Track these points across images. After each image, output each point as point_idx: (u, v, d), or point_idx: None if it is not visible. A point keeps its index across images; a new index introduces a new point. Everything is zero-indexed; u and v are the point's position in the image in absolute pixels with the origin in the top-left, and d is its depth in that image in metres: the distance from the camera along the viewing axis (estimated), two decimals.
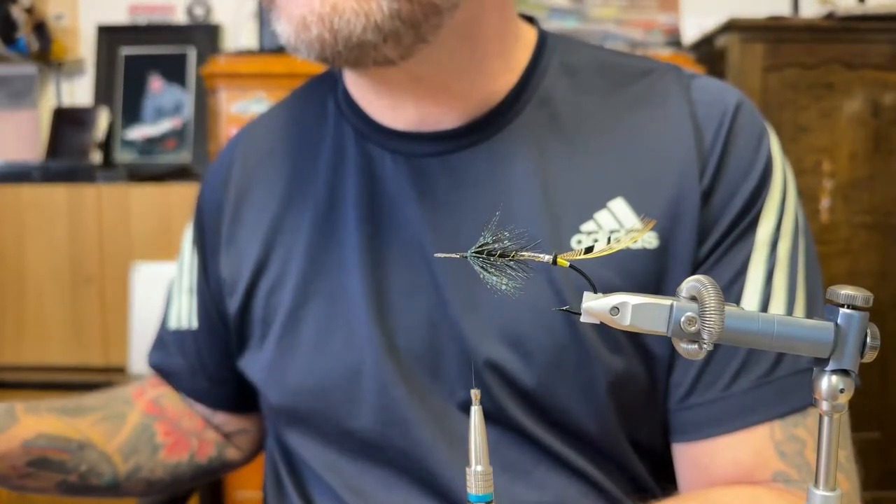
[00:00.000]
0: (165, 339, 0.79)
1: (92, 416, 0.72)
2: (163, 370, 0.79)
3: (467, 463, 0.59)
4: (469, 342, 0.61)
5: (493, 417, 0.61)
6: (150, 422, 0.74)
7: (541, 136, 0.65)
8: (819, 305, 0.63)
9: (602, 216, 0.62)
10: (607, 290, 0.58)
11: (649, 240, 0.61)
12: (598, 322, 0.34)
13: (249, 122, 0.79)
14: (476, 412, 0.38)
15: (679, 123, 0.64)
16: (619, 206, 0.62)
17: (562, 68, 0.67)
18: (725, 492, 0.59)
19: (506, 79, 0.66)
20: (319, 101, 0.73)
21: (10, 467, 0.64)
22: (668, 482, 0.66)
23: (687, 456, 0.63)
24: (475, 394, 0.38)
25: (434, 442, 0.62)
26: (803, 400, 0.59)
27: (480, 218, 0.62)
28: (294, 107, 0.76)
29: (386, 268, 0.65)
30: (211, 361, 0.76)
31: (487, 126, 0.65)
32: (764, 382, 0.59)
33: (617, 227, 0.61)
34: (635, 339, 0.62)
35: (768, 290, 0.61)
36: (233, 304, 0.71)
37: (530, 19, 0.71)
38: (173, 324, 0.78)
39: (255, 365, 0.71)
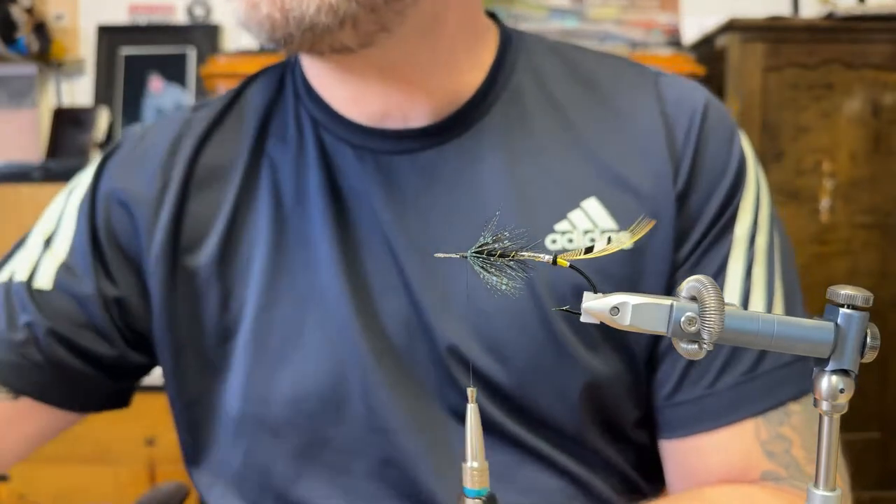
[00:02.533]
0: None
1: None
2: None
3: (452, 470, 0.59)
4: (444, 345, 0.60)
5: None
6: None
7: (511, 133, 0.63)
8: (796, 294, 0.64)
9: (575, 216, 0.61)
10: (576, 294, 0.57)
11: (624, 240, 0.60)
12: (598, 322, 0.34)
13: (175, 112, 0.72)
14: (472, 409, 0.38)
15: (649, 122, 0.63)
16: (592, 205, 0.61)
17: (529, 65, 0.66)
18: (719, 490, 0.59)
19: (473, 75, 0.64)
20: (276, 89, 0.69)
21: None
22: (659, 482, 0.66)
23: (675, 455, 0.63)
24: (471, 391, 0.38)
25: (418, 449, 0.60)
26: (786, 394, 0.60)
27: (452, 218, 0.62)
28: (240, 97, 0.70)
29: (360, 266, 0.62)
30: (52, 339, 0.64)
31: (456, 124, 0.63)
32: (748, 378, 0.60)
33: (591, 226, 0.60)
34: (614, 339, 0.61)
35: (748, 285, 0.61)
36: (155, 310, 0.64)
37: (492, 15, 0.69)
38: (4, 277, 0.68)
39: (206, 370, 0.65)
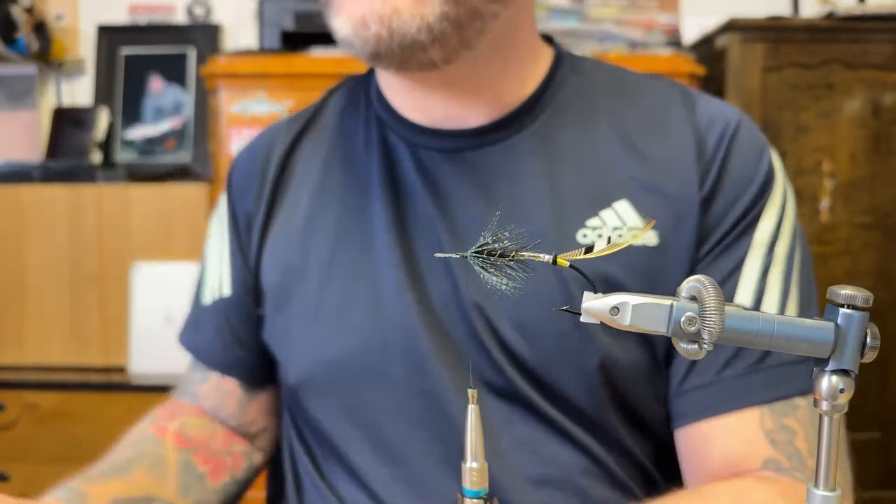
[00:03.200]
0: (200, 317, 0.81)
1: (139, 468, 0.72)
2: (195, 347, 0.81)
3: (491, 433, 0.64)
4: (478, 322, 0.66)
5: (506, 393, 0.66)
6: (187, 455, 0.75)
7: (553, 139, 0.70)
8: (812, 308, 0.67)
9: (607, 214, 0.66)
10: (612, 284, 0.63)
11: (649, 238, 0.65)
12: (598, 322, 0.34)
13: (281, 120, 0.84)
14: (473, 410, 0.38)
15: (681, 134, 0.68)
16: (623, 207, 0.66)
17: (576, 80, 0.73)
18: (717, 486, 0.61)
19: (528, 86, 0.71)
20: (353, 94, 0.79)
21: None
22: (678, 478, 0.68)
23: (685, 442, 0.66)
24: (472, 393, 0.38)
25: (458, 411, 0.65)
26: (792, 389, 0.62)
27: (490, 209, 0.68)
28: (327, 102, 0.81)
29: (412, 246, 0.69)
30: (241, 328, 0.78)
31: (506, 127, 0.70)
32: (754, 370, 0.63)
33: (620, 224, 0.65)
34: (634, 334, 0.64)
35: (762, 286, 0.65)
36: (263, 275, 0.75)
37: (549, 39, 0.77)
38: (207, 299, 0.80)
39: (279, 336, 0.74)
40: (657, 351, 0.66)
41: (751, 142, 0.69)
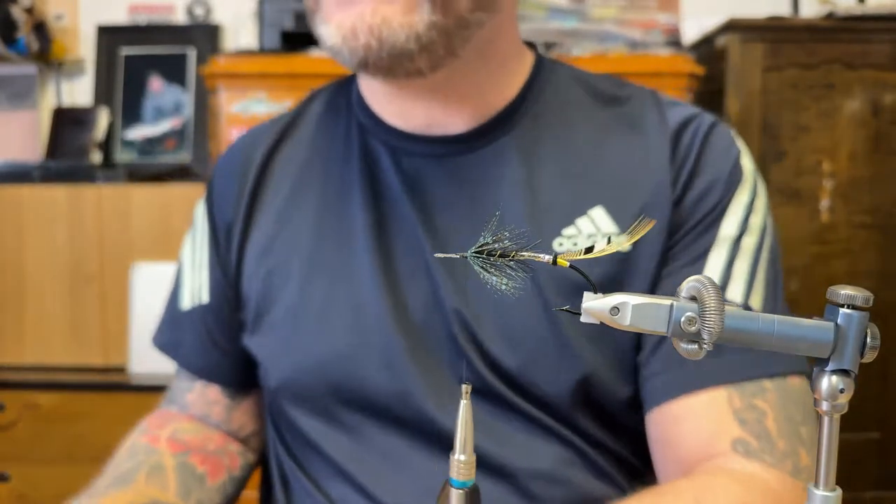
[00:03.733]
0: (177, 320, 0.81)
1: (139, 477, 0.72)
2: (171, 349, 0.81)
3: (484, 440, 0.64)
4: (457, 325, 0.67)
5: (484, 393, 0.67)
6: (184, 459, 0.75)
7: (532, 146, 0.70)
8: (778, 299, 0.67)
9: (582, 222, 0.67)
10: (576, 290, 0.63)
11: (623, 241, 0.65)
12: (598, 322, 0.34)
13: (261, 123, 0.83)
14: (464, 405, 0.38)
15: (655, 139, 0.70)
16: (598, 213, 0.67)
17: (555, 88, 0.74)
18: (680, 484, 0.61)
19: (509, 92, 0.72)
20: (334, 99, 0.79)
21: None
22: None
23: (654, 426, 0.67)
24: (465, 388, 0.38)
25: (434, 410, 0.67)
26: (757, 372, 0.63)
27: (470, 216, 0.69)
28: (308, 106, 0.81)
29: (391, 252, 0.69)
30: (220, 334, 0.78)
31: (485, 133, 0.71)
32: (719, 353, 0.63)
33: (594, 231, 0.66)
34: (608, 333, 0.66)
35: (727, 275, 0.65)
36: (243, 280, 0.75)
37: (531, 45, 0.77)
38: (186, 304, 0.80)
39: (260, 340, 0.74)
40: (627, 354, 0.67)
41: (721, 143, 0.70)
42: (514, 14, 0.72)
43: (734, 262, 0.66)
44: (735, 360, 0.63)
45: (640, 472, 0.70)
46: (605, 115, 0.72)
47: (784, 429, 0.62)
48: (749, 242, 0.67)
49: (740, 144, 0.72)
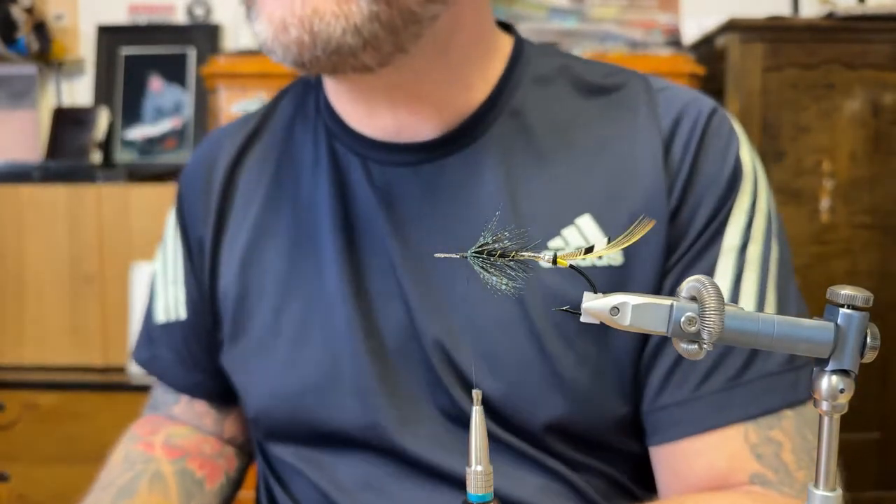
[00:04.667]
0: (153, 334, 0.78)
1: (141, 488, 0.70)
2: (152, 366, 0.78)
3: (453, 458, 0.61)
4: (433, 349, 0.62)
5: (460, 420, 0.63)
6: (182, 464, 0.74)
7: (511, 148, 0.65)
8: (790, 309, 0.63)
9: (569, 232, 0.62)
10: (568, 302, 0.58)
11: (615, 256, 0.61)
12: (598, 322, 0.34)
13: (227, 124, 0.79)
14: (477, 412, 0.37)
15: (647, 139, 0.63)
16: (585, 222, 0.62)
17: (534, 80, 0.67)
18: (700, 498, 0.59)
19: (481, 90, 0.66)
20: (301, 102, 0.73)
21: None
22: (654, 486, 0.66)
23: (662, 459, 0.63)
24: (476, 394, 0.38)
25: (408, 443, 0.63)
26: (774, 402, 0.59)
27: (448, 230, 0.63)
28: (276, 108, 0.75)
29: (363, 273, 0.65)
30: (200, 352, 0.75)
31: (460, 137, 0.65)
32: (734, 385, 0.59)
33: (583, 243, 0.61)
34: (605, 350, 0.62)
35: (736, 293, 0.61)
36: (219, 300, 0.72)
37: (507, 27, 0.70)
38: (161, 317, 0.77)
39: (234, 367, 0.71)
40: (626, 369, 0.62)
41: (717, 139, 0.63)
42: (478, 5, 0.65)
43: (742, 276, 0.61)
44: (753, 391, 0.59)
45: (636, 495, 0.66)
46: (591, 110, 0.66)
47: (802, 460, 0.58)
48: (754, 251, 0.62)
49: (740, 133, 0.66)
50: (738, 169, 0.63)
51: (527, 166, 0.64)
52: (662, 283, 0.62)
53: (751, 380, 0.59)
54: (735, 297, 0.61)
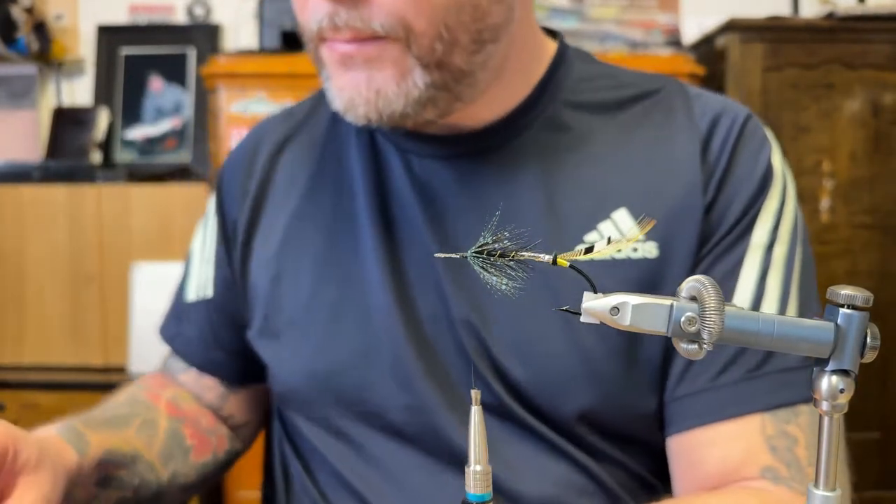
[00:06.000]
0: (182, 312, 0.80)
1: (133, 424, 0.71)
2: (175, 342, 0.80)
3: (492, 456, 0.62)
4: (468, 339, 0.64)
5: (491, 409, 0.64)
6: (177, 425, 0.74)
7: (550, 147, 0.67)
8: (812, 311, 0.65)
9: (605, 226, 0.64)
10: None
11: (650, 249, 0.64)
12: (598, 322, 0.34)
13: (275, 114, 0.82)
14: (476, 412, 0.38)
15: (685, 138, 0.66)
16: (622, 216, 0.64)
17: (575, 83, 0.70)
18: (707, 499, 0.59)
19: (523, 89, 0.68)
20: None
21: (83, 490, 0.62)
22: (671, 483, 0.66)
23: (678, 449, 0.64)
24: (475, 394, 0.38)
25: (448, 425, 0.64)
26: (793, 396, 0.60)
27: (482, 223, 0.63)
28: (323, 98, 0.77)
29: (401, 261, 0.67)
30: (224, 330, 0.77)
31: (499, 133, 0.68)
32: (753, 376, 0.61)
33: (618, 236, 0.63)
34: (637, 343, 0.63)
35: (761, 290, 0.63)
36: (250, 281, 0.74)
37: (553, 33, 0.74)
38: (192, 296, 0.80)
39: (267, 344, 0.73)
40: (652, 367, 0.64)
41: (752, 142, 0.67)
42: (528, 11, 0.68)
43: (767, 275, 0.63)
44: (772, 383, 0.60)
45: (657, 489, 0.67)
46: (629, 113, 0.69)
47: (814, 456, 0.60)
48: (780, 252, 0.64)
49: (771, 140, 0.69)
50: (770, 172, 0.66)
51: (564, 164, 0.67)
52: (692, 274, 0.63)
53: (769, 373, 0.61)
54: (760, 294, 0.63)
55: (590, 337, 0.62)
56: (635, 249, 0.63)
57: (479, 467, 0.37)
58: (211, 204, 0.80)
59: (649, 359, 0.63)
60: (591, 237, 0.64)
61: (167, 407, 0.75)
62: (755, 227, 0.64)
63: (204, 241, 0.80)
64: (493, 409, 0.64)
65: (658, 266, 0.63)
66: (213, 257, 0.78)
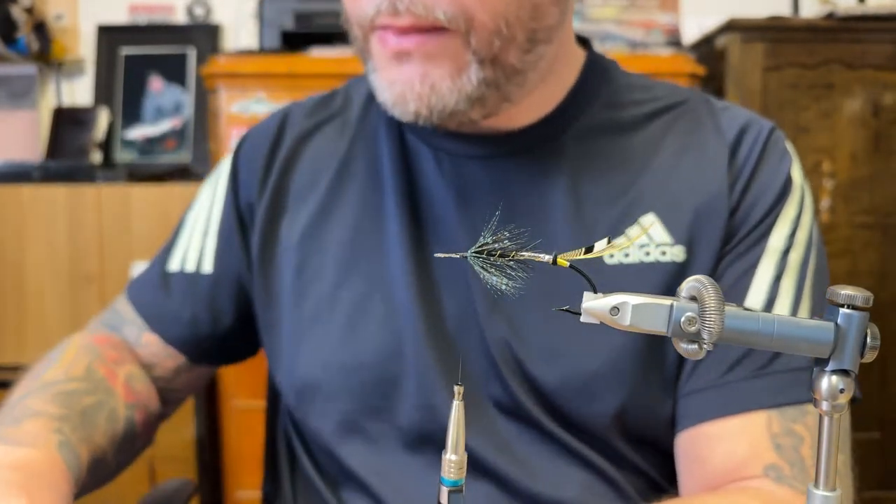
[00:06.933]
0: (162, 280, 0.77)
1: (99, 421, 0.67)
2: (149, 310, 0.77)
3: (498, 451, 0.64)
4: (493, 341, 0.65)
5: (512, 412, 0.65)
6: (131, 413, 0.71)
7: (581, 152, 0.68)
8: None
9: (633, 232, 0.65)
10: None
11: (678, 253, 0.65)
12: (599, 322, 0.34)
13: (301, 101, 0.81)
14: (457, 406, 0.39)
15: (713, 147, 0.68)
16: (649, 220, 0.66)
17: (605, 92, 0.71)
18: (707, 499, 0.60)
19: (558, 95, 0.69)
20: (369, 87, 0.75)
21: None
22: None
23: (685, 446, 0.64)
24: (458, 389, 0.39)
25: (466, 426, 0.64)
26: (801, 395, 0.61)
27: (515, 223, 0.64)
28: (355, 91, 0.78)
29: (428, 259, 0.68)
30: (214, 310, 0.75)
31: (536, 136, 0.68)
32: (761, 374, 0.62)
33: (647, 241, 0.64)
34: (656, 345, 0.64)
35: (774, 292, 0.64)
36: (269, 267, 0.73)
37: (584, 41, 0.75)
38: (174, 266, 0.77)
39: (284, 333, 0.72)
40: (672, 368, 0.64)
41: (776, 153, 0.69)
42: (570, 17, 0.69)
43: (781, 278, 0.65)
44: (780, 382, 0.61)
45: (667, 492, 0.68)
46: (657, 121, 0.70)
47: None
48: (795, 258, 0.66)
49: (792, 152, 0.71)
50: (789, 182, 0.68)
51: (594, 170, 0.68)
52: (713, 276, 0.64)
53: (777, 371, 0.61)
54: (773, 295, 0.64)
55: (616, 339, 0.63)
56: (664, 253, 0.64)
57: (454, 456, 0.39)
58: (221, 178, 0.78)
59: (671, 359, 0.64)
60: (619, 242, 0.64)
61: (124, 391, 0.71)
62: (773, 231, 0.66)
63: (209, 214, 0.77)
64: (511, 411, 0.64)
65: (685, 270, 0.64)
66: (217, 231, 0.76)
